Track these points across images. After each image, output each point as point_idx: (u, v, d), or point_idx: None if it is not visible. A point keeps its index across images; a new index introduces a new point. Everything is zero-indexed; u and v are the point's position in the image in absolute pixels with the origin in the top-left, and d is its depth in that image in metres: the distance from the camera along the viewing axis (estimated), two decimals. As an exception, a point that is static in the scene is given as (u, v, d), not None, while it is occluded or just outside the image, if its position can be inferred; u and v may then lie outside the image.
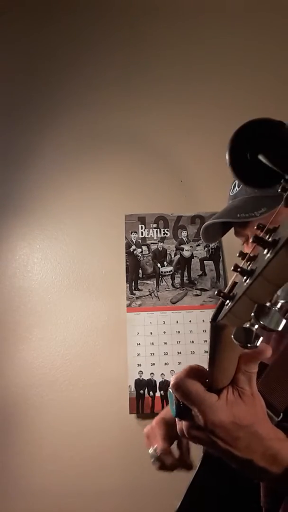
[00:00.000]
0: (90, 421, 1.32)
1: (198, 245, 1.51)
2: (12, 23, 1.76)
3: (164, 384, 1.34)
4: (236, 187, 0.77)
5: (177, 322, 1.41)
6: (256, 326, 0.25)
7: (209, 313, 1.41)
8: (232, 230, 0.82)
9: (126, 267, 1.48)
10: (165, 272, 1.48)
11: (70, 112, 1.66)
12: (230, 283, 0.31)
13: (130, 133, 1.64)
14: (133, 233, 1.52)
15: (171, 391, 0.42)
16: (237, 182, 0.77)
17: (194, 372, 0.42)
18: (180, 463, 0.69)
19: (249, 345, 0.26)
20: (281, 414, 0.47)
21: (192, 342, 1.38)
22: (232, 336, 0.27)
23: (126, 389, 1.34)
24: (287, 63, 1.72)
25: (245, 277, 0.26)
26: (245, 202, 0.70)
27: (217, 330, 0.32)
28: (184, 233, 1.52)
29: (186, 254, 1.50)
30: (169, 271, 1.48)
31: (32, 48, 1.73)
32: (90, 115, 1.66)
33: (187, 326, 1.40)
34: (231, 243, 1.50)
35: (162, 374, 1.36)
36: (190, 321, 1.41)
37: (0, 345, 1.39)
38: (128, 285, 1.46)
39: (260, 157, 0.29)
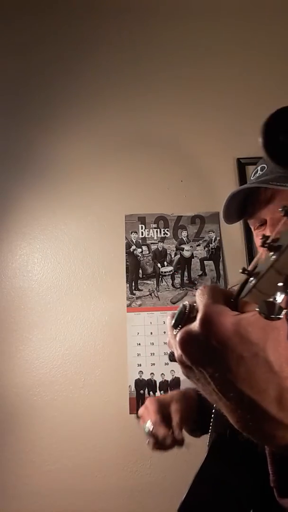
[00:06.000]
0: (90, 421, 1.32)
1: (198, 245, 1.51)
2: (12, 25, 1.76)
3: (164, 384, 1.34)
4: (259, 171, 0.76)
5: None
6: (281, 299, 0.25)
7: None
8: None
9: (126, 267, 1.48)
10: (165, 272, 1.48)
11: (71, 112, 1.66)
12: (253, 263, 0.31)
13: (130, 133, 1.64)
14: (133, 233, 1.52)
15: (186, 302, 0.35)
16: (260, 167, 0.77)
17: (227, 292, 0.35)
18: (171, 438, 0.69)
19: (272, 316, 0.26)
20: None
21: (192, 342, 1.38)
22: (257, 309, 0.27)
23: (126, 389, 1.34)
24: None
25: (271, 253, 0.27)
26: (273, 177, 0.71)
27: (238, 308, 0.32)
28: (184, 233, 1.52)
29: (186, 254, 1.50)
30: (169, 271, 1.48)
31: (33, 48, 1.73)
32: (90, 115, 1.66)
33: (187, 326, 1.40)
34: (231, 243, 1.50)
35: (162, 374, 1.36)
36: (190, 321, 1.41)
37: (0, 345, 1.39)
38: (128, 285, 1.45)
39: None
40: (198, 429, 0.77)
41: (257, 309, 0.27)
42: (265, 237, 0.28)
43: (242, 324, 0.29)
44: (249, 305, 0.31)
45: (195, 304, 0.34)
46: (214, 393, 0.31)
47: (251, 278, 0.29)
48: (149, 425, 0.70)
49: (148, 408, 0.75)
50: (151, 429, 0.69)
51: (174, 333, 0.33)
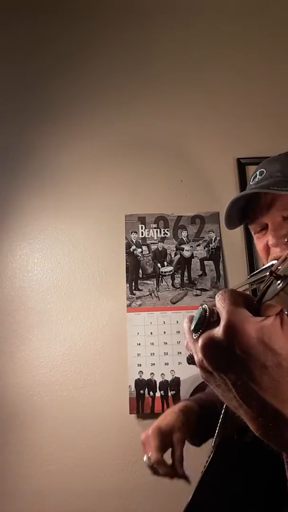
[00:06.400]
0: (90, 421, 1.32)
1: (198, 245, 1.51)
2: (12, 27, 1.76)
3: (164, 384, 1.35)
4: (258, 176, 0.77)
5: (177, 322, 1.41)
6: None
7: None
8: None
9: (126, 267, 1.48)
10: (165, 272, 1.48)
11: (71, 113, 1.66)
12: (276, 264, 0.31)
13: (130, 134, 1.64)
14: (133, 233, 1.52)
15: (205, 305, 0.34)
16: (258, 171, 0.78)
17: (247, 296, 0.35)
18: (172, 472, 0.69)
19: None
20: None
21: (192, 342, 1.38)
22: (286, 312, 0.27)
23: (126, 389, 1.34)
24: None
25: None
26: (273, 182, 0.72)
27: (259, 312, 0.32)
28: (184, 233, 1.52)
29: (186, 254, 1.50)
30: (169, 271, 1.48)
31: (33, 51, 1.73)
32: (90, 117, 1.66)
33: (187, 326, 1.40)
34: (231, 243, 1.50)
35: (162, 374, 1.36)
36: (190, 321, 1.41)
37: (0, 345, 1.40)
38: (128, 285, 1.46)
39: None
40: (197, 438, 0.77)
41: (286, 313, 0.27)
42: None
43: (265, 333, 0.29)
44: (272, 308, 0.30)
45: (214, 308, 0.33)
46: (234, 399, 0.31)
47: (279, 281, 0.28)
48: (149, 461, 0.70)
49: (150, 440, 0.74)
50: (151, 465, 0.70)
51: (194, 337, 0.33)
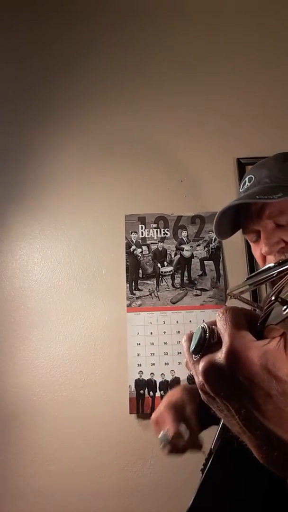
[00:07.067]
0: (90, 421, 1.32)
1: (198, 245, 1.51)
2: (12, 28, 1.76)
3: (164, 384, 1.34)
4: (247, 183, 0.77)
5: (177, 322, 1.41)
6: None
7: (209, 313, 1.41)
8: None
9: (126, 267, 1.48)
10: (165, 272, 1.48)
11: (71, 113, 1.66)
12: (277, 286, 0.29)
13: (130, 133, 1.64)
14: (133, 233, 1.52)
15: (204, 325, 0.33)
16: (247, 178, 0.78)
17: (249, 314, 0.34)
18: (191, 444, 0.69)
19: None
20: None
21: (192, 342, 1.38)
22: None
23: (126, 389, 1.34)
24: None
25: None
26: (261, 189, 0.71)
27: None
28: (184, 233, 1.52)
29: (186, 254, 1.50)
30: (169, 271, 1.48)
31: (33, 51, 1.73)
32: (91, 117, 1.66)
33: (187, 326, 1.40)
34: (231, 243, 1.50)
35: (162, 374, 1.36)
36: (190, 321, 1.41)
37: (0, 345, 1.40)
38: (128, 285, 1.46)
39: None
40: (199, 423, 0.78)
41: None
42: None
43: (269, 359, 0.27)
44: (275, 331, 0.29)
45: (214, 327, 0.32)
46: (237, 426, 0.30)
47: (285, 307, 0.27)
48: (168, 434, 0.70)
49: (164, 416, 0.74)
50: (170, 438, 0.69)
51: (194, 359, 0.32)
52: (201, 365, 0.30)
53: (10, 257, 1.50)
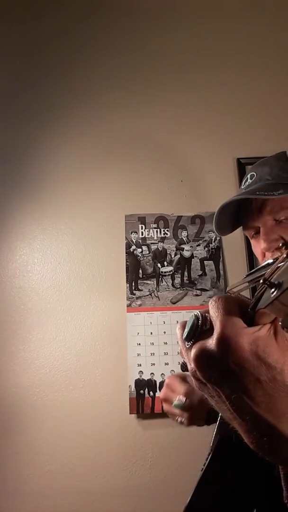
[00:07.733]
0: (90, 421, 1.32)
1: (198, 245, 1.51)
2: (12, 27, 1.76)
3: (164, 384, 1.34)
4: (249, 180, 0.78)
5: (177, 322, 1.41)
6: None
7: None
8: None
9: (126, 267, 1.48)
10: (165, 272, 1.48)
11: (71, 113, 1.66)
12: (269, 271, 0.30)
13: (130, 133, 1.64)
14: (133, 233, 1.52)
15: (197, 313, 0.34)
16: (249, 175, 0.78)
17: (242, 301, 0.34)
18: (204, 404, 0.71)
19: None
20: None
21: (192, 342, 1.38)
22: (280, 323, 0.27)
23: (126, 389, 1.34)
24: None
25: None
26: (262, 185, 0.72)
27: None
28: (184, 233, 1.52)
29: (186, 254, 1.50)
30: (169, 271, 1.48)
31: (33, 48, 1.73)
32: (90, 117, 1.66)
33: (187, 326, 1.40)
34: (231, 243, 1.50)
35: (162, 374, 1.36)
36: (190, 321, 1.41)
37: (0, 345, 1.40)
38: (128, 285, 1.46)
39: None
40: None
41: (280, 323, 0.26)
42: (286, 243, 0.28)
43: (259, 345, 0.28)
44: (266, 316, 0.30)
45: (207, 315, 0.32)
46: (228, 411, 0.30)
47: (273, 290, 0.27)
48: (182, 398, 0.72)
49: (171, 385, 0.76)
50: (184, 401, 0.71)
51: (187, 346, 0.32)
52: (193, 351, 0.31)
53: (10, 257, 1.50)
